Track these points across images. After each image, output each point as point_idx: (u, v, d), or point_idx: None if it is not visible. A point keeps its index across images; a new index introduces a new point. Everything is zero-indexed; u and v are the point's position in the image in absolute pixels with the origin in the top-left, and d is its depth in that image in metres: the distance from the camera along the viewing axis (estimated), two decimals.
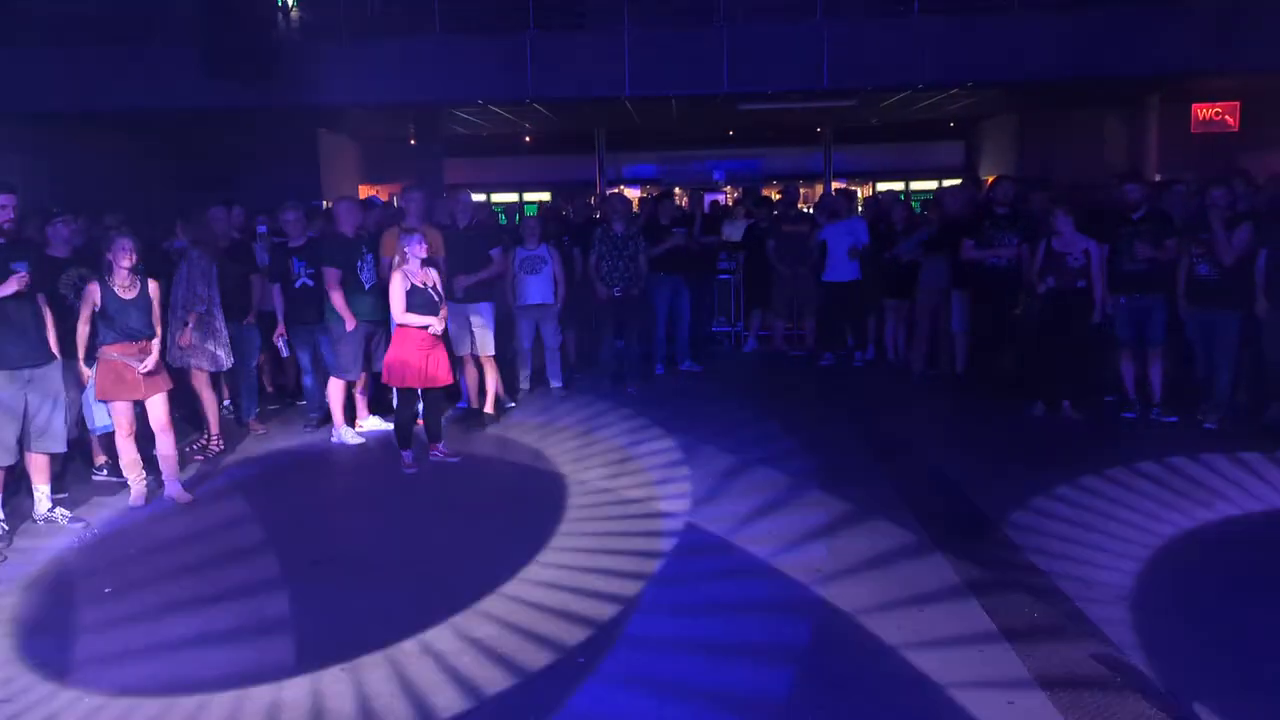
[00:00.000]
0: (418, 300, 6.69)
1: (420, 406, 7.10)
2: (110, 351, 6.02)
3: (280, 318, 7.85)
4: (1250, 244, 7.06)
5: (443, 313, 6.83)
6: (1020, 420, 7.71)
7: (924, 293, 9.24)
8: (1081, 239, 7.56)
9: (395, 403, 7.10)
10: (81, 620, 4.63)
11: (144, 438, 6.30)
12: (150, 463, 6.36)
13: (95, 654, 4.29)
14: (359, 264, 7.41)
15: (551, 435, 7.73)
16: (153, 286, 6.19)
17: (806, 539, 5.39)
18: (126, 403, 6.09)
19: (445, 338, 7.40)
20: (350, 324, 7.31)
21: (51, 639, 4.44)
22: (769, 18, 14.93)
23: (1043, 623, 4.32)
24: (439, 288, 6.90)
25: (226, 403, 8.30)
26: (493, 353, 8.13)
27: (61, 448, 6.01)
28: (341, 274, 7.31)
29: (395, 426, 7.08)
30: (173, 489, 6.27)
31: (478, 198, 8.64)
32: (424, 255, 6.80)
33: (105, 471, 6.73)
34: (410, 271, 6.71)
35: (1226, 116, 16.29)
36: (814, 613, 4.49)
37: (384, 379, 6.91)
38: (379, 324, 7.59)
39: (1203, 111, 16.30)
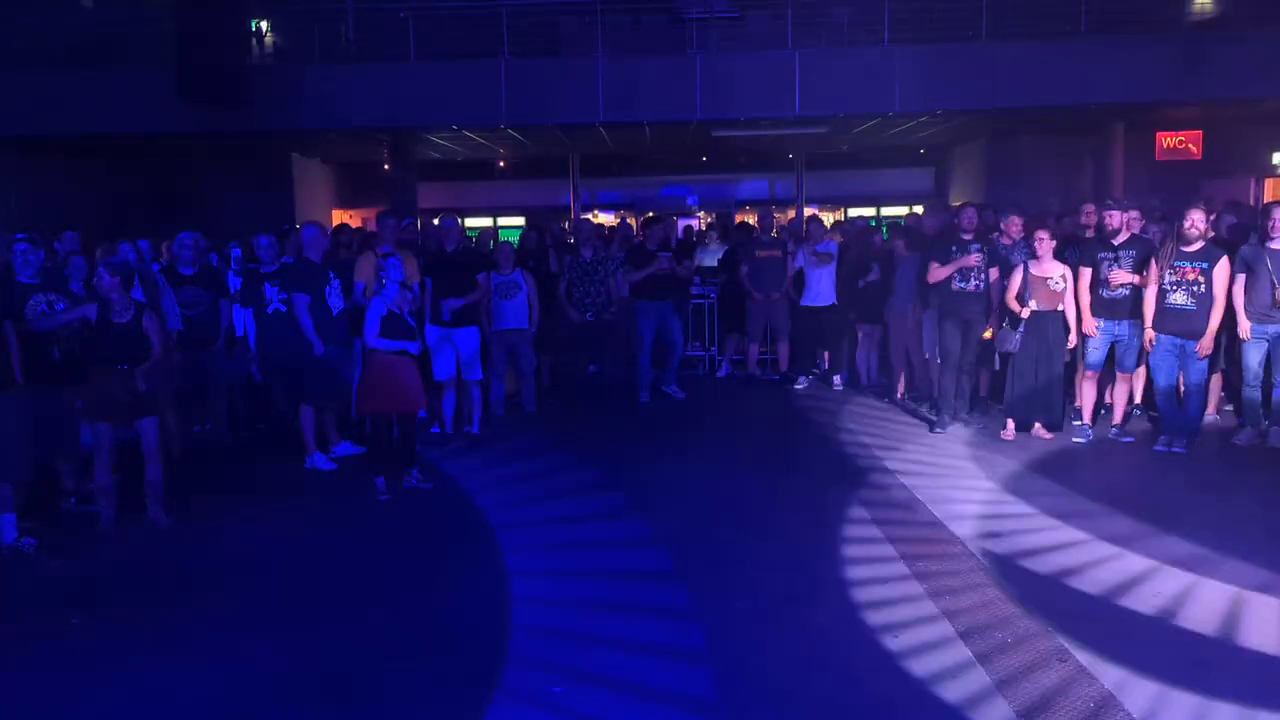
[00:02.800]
0: (393, 326, 6.67)
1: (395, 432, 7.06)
2: (96, 373, 5.97)
3: (253, 343, 7.80)
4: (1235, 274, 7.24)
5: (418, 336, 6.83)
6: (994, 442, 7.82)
7: (895, 315, 9.30)
8: (1057, 264, 7.69)
9: (368, 428, 7.06)
10: (47, 654, 4.55)
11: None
12: (121, 489, 6.29)
13: (64, 689, 4.21)
14: (326, 290, 7.38)
15: (526, 460, 7.70)
16: (150, 316, 6.16)
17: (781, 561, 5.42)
18: (109, 425, 6.04)
19: (424, 363, 7.42)
20: (319, 349, 7.28)
21: (18, 673, 4.37)
22: (741, 45, 15.12)
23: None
24: (412, 313, 6.90)
25: (196, 428, 8.22)
26: (479, 377, 8.14)
27: (27, 476, 5.92)
28: (310, 300, 7.28)
29: (369, 453, 7.03)
30: (155, 514, 6.20)
31: None
32: (402, 280, 6.80)
33: (74, 501, 6.63)
34: (387, 296, 6.70)
35: (1190, 144, 16.62)
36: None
37: (357, 405, 6.87)
38: (348, 349, 7.56)
39: (1167, 139, 16.63)
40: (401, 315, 6.71)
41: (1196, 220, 7.23)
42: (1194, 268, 7.23)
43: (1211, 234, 7.57)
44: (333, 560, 5.71)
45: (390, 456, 6.87)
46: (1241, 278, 7.24)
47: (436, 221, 9.15)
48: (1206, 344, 7.21)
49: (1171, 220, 7.68)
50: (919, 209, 19.25)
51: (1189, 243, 7.26)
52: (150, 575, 5.51)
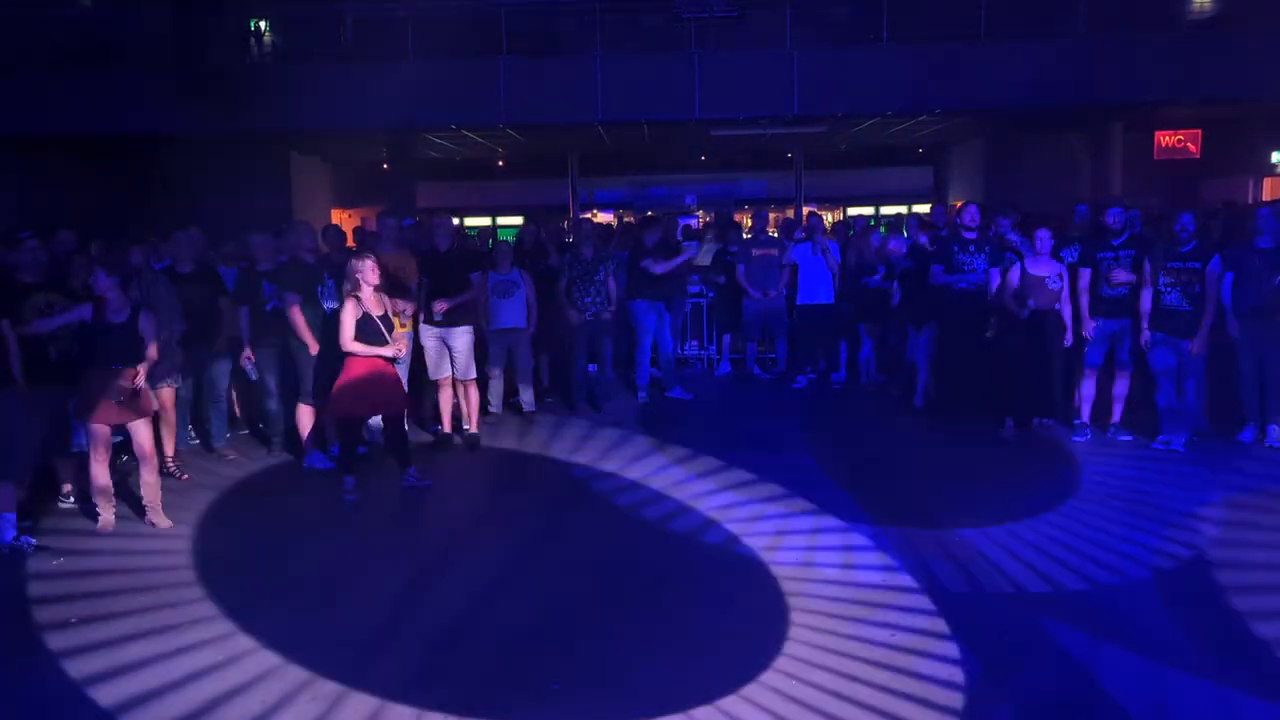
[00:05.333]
0: (365, 328, 6.66)
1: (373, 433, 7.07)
2: (91, 373, 5.98)
3: (246, 340, 7.80)
4: (1222, 273, 7.28)
5: (396, 338, 6.80)
6: (995, 439, 7.83)
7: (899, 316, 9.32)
8: (1055, 263, 7.71)
9: (343, 428, 7.05)
10: (46, 651, 4.56)
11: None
12: (118, 489, 6.29)
13: (59, 686, 4.22)
14: (320, 289, 7.37)
15: (524, 459, 7.70)
16: (145, 316, 6.16)
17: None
18: (103, 426, 6.04)
19: (420, 362, 7.41)
20: (313, 349, 7.28)
21: (14, 670, 4.37)
22: (740, 45, 15.11)
23: None
24: (391, 314, 6.85)
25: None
26: (474, 376, 8.13)
27: (26, 475, 5.92)
28: (302, 299, 7.28)
29: (339, 453, 7.07)
30: (153, 515, 6.22)
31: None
32: (374, 282, 6.76)
33: (72, 500, 6.64)
34: (362, 298, 6.68)
35: (1188, 144, 16.63)
36: None
37: (331, 409, 6.84)
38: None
39: (1165, 139, 16.63)
40: (373, 318, 6.68)
41: (1186, 223, 7.29)
42: (1188, 268, 7.26)
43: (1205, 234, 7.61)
44: (330, 558, 5.71)
45: (357, 458, 6.91)
46: (1229, 278, 7.30)
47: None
48: (1199, 344, 7.23)
49: (1166, 221, 7.71)
50: (920, 208, 19.31)
51: (1182, 244, 7.30)
52: (147, 574, 5.50)
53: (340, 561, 5.67)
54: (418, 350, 7.93)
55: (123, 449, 6.76)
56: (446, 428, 8.25)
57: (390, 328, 6.75)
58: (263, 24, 15.51)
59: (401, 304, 7.35)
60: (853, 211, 21.76)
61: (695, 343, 11.67)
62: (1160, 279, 7.36)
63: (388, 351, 6.66)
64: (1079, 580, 5.09)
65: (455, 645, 4.53)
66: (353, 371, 6.65)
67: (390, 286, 7.17)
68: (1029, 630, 4.52)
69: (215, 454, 7.94)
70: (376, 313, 6.67)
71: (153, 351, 6.19)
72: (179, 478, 7.23)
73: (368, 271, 6.66)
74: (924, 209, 19.96)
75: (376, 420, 7.23)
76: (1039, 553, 5.46)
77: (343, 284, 6.80)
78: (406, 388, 7.48)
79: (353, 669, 4.27)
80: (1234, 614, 4.66)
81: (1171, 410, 7.45)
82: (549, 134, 17.84)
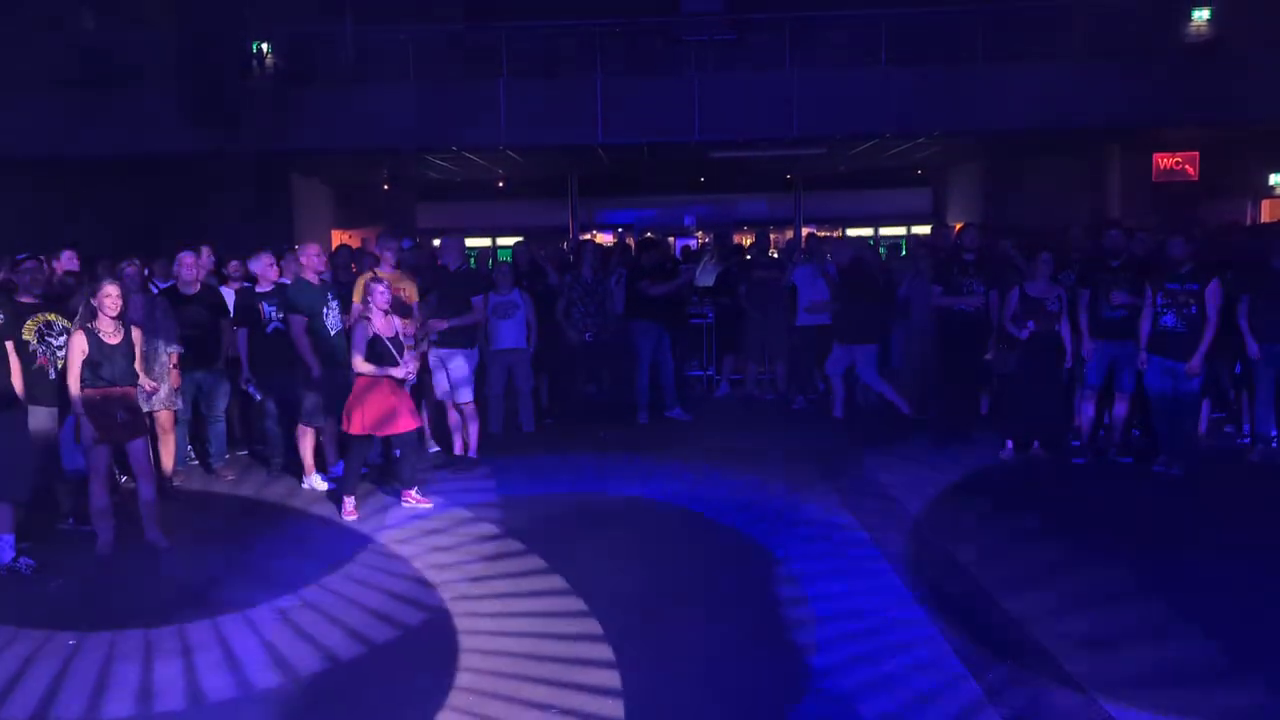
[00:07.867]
0: (376, 349, 6.69)
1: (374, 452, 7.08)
2: (93, 396, 5.96)
3: (245, 362, 7.80)
4: (1223, 295, 7.27)
5: (406, 361, 6.82)
6: (994, 461, 7.81)
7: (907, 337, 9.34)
8: (1054, 286, 7.72)
9: (347, 448, 7.05)
10: (46, 673, 4.54)
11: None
12: (118, 510, 6.27)
13: (59, 708, 4.20)
14: (324, 310, 7.38)
15: (522, 481, 7.68)
16: (136, 333, 6.17)
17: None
18: (103, 447, 6.02)
19: (426, 382, 7.42)
20: (316, 370, 7.28)
21: (14, 693, 4.35)
22: (739, 67, 15.20)
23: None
24: (402, 336, 6.89)
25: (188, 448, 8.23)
26: (470, 400, 8.11)
27: (25, 496, 5.91)
28: (307, 320, 7.29)
29: (341, 473, 7.08)
30: (152, 535, 6.20)
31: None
32: (387, 306, 6.81)
33: (72, 521, 6.61)
34: (374, 320, 6.71)
35: (1186, 166, 16.67)
36: None
37: (344, 426, 6.86)
38: (347, 370, 7.55)
39: (1163, 161, 16.66)
40: (383, 340, 6.70)
41: (1176, 247, 7.32)
42: (1185, 289, 7.27)
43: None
44: (327, 579, 5.68)
45: (359, 477, 6.95)
46: (1245, 299, 7.33)
47: (437, 242, 9.16)
48: (1196, 364, 7.23)
49: (1160, 244, 7.75)
50: (919, 230, 19.37)
51: (1178, 266, 7.31)
52: (147, 595, 5.49)
53: (336, 582, 5.63)
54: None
55: (121, 469, 6.76)
56: (457, 449, 8.24)
57: (400, 349, 6.80)
58: (265, 46, 15.59)
59: (408, 325, 7.38)
60: (851, 233, 21.82)
61: (695, 363, 11.67)
62: (1157, 300, 7.37)
63: (398, 373, 6.73)
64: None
65: (454, 669, 4.52)
66: (366, 391, 6.68)
67: (394, 308, 7.20)
68: None
69: (214, 474, 7.94)
70: (387, 334, 6.72)
71: (144, 380, 6.18)
72: (178, 498, 7.22)
73: (381, 296, 6.73)
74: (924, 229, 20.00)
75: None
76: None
77: (350, 305, 6.84)
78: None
79: (345, 693, 4.25)
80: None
81: (1170, 432, 7.45)
82: (549, 155, 17.92)
